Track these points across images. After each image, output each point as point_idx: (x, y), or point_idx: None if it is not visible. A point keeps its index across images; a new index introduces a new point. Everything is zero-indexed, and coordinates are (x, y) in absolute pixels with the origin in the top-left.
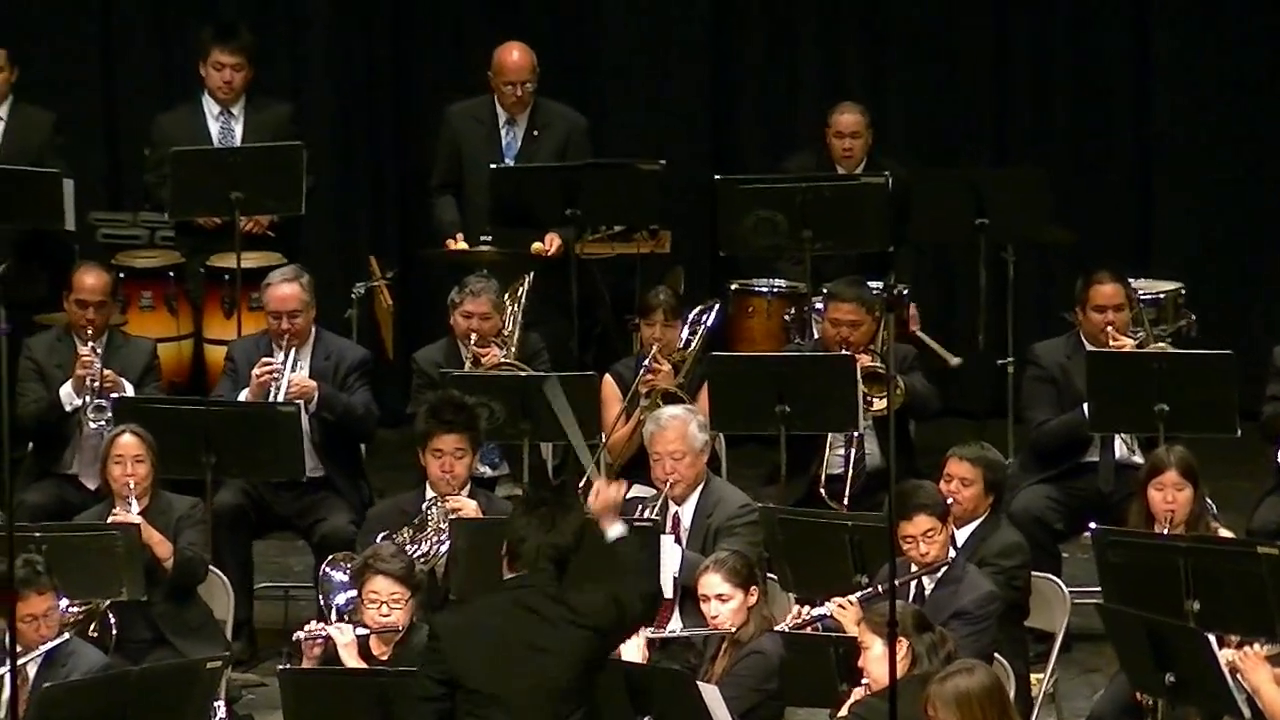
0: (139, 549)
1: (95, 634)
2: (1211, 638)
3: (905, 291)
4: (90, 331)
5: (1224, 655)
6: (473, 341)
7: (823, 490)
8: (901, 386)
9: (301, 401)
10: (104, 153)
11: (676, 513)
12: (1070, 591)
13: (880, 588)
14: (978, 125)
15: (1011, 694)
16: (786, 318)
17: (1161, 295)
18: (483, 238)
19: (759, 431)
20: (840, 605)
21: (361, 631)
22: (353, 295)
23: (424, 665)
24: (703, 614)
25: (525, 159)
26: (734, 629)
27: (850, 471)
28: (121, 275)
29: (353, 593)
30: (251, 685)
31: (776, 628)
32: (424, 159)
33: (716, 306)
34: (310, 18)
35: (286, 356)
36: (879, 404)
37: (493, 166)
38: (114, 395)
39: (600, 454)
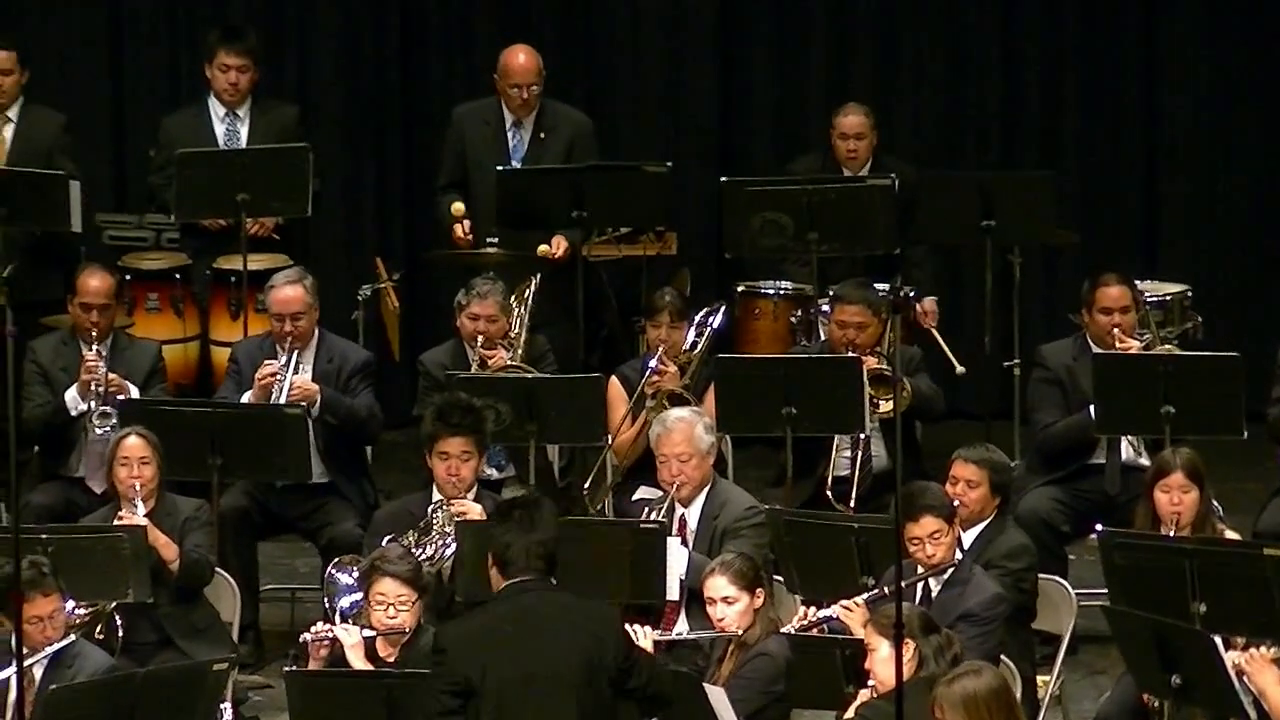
0: (145, 551)
1: (101, 636)
2: (1218, 640)
3: (913, 293)
4: (94, 334)
5: (1230, 657)
6: (479, 343)
7: (829, 492)
8: (908, 389)
9: (306, 404)
10: (111, 154)
11: (683, 515)
12: (1077, 593)
13: (886, 590)
14: (985, 128)
15: (1018, 696)
16: (793, 320)
17: (1168, 297)
18: (489, 239)
19: (765, 433)
20: (846, 607)
21: (368, 633)
22: (359, 297)
23: (434, 679)
24: (709, 616)
25: (532, 161)
26: (740, 631)
27: (856, 473)
28: (128, 277)
29: (358, 596)
30: (258, 687)
31: (783, 630)
32: (431, 161)
33: (722, 308)
34: (318, 20)
35: (289, 359)
36: (885, 406)
37: (499, 169)
38: (120, 397)
39: (606, 456)
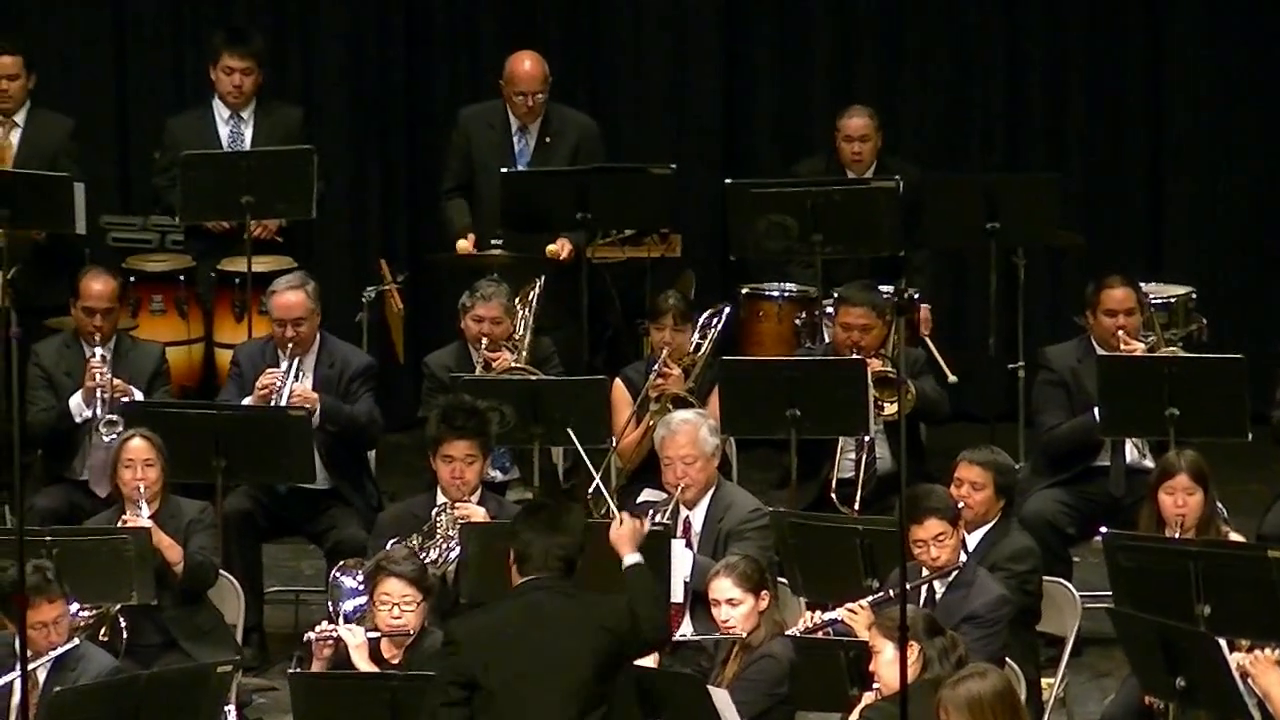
0: (149, 553)
1: (105, 638)
2: (1222, 642)
3: (918, 295)
4: (98, 338)
5: (1235, 659)
6: (484, 345)
7: (833, 494)
8: (912, 391)
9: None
10: (115, 156)
11: (687, 517)
12: (1081, 596)
13: (891, 592)
14: (989, 129)
15: (1022, 698)
16: (797, 322)
17: (1172, 299)
18: (494, 241)
19: (769, 436)
20: (851, 609)
21: (373, 634)
22: (363, 299)
23: (442, 671)
24: (714, 618)
25: (538, 165)
26: (745, 633)
27: (861, 475)
28: (132, 279)
29: (362, 599)
30: (262, 689)
31: (787, 632)
32: (435, 163)
33: (727, 310)
34: (322, 21)
35: (290, 364)
36: (890, 408)
37: (503, 171)
38: (124, 400)
39: (610, 458)
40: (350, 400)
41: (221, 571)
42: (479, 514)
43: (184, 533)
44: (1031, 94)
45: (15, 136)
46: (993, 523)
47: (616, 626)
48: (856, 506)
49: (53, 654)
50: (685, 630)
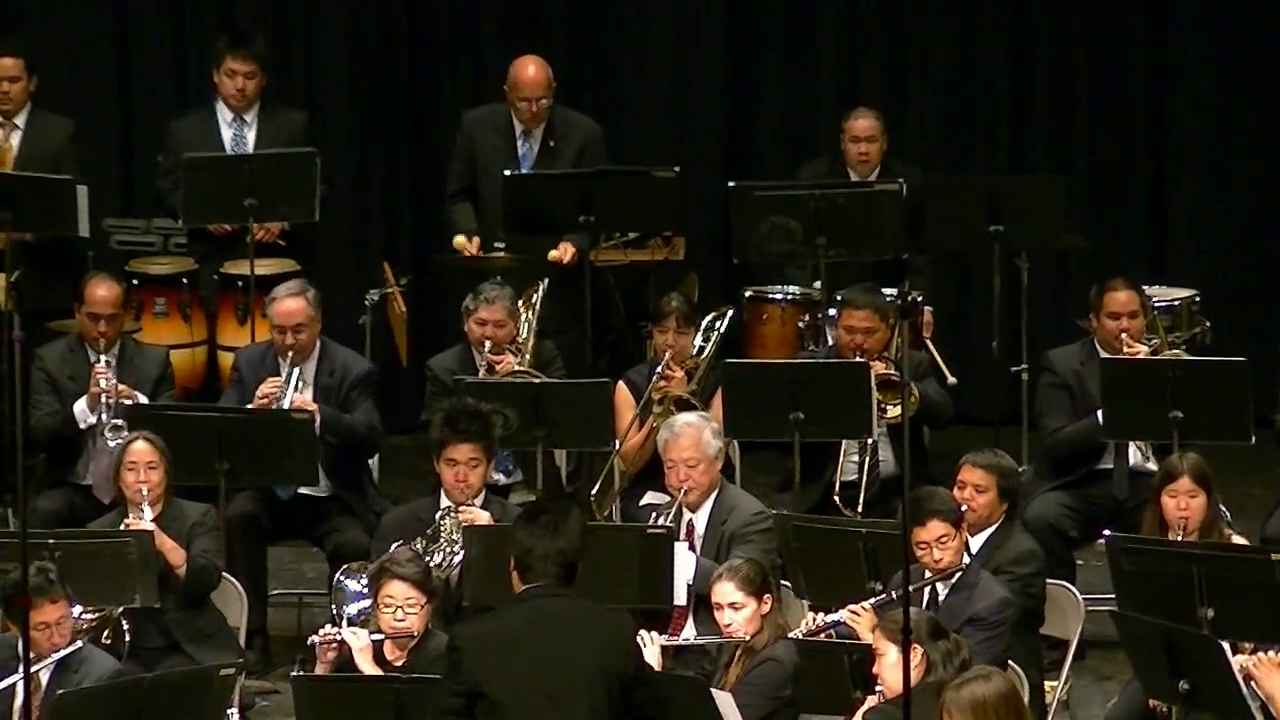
0: (152, 556)
1: (108, 641)
2: (1225, 645)
3: (921, 298)
4: (103, 344)
5: (1238, 662)
6: (487, 348)
7: (837, 497)
8: (915, 394)
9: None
10: (118, 159)
11: (690, 520)
12: (1084, 599)
13: (894, 594)
14: (994, 131)
15: (1026, 701)
16: (801, 325)
17: (1176, 302)
18: (497, 244)
19: (773, 438)
20: (854, 612)
21: (377, 636)
22: (366, 302)
23: (445, 677)
24: (716, 622)
25: (541, 169)
26: (748, 637)
27: (864, 478)
28: (135, 282)
29: (365, 603)
30: (265, 692)
31: (790, 635)
32: (439, 165)
33: (730, 313)
34: (326, 24)
35: (290, 372)
36: (893, 411)
37: (506, 173)
38: (127, 402)
39: (613, 461)
40: (350, 407)
41: (225, 574)
42: (484, 517)
43: (187, 536)
44: (1035, 97)
45: (16, 139)
46: (996, 525)
47: (620, 634)
48: (860, 509)
49: (55, 656)
50: (688, 633)
